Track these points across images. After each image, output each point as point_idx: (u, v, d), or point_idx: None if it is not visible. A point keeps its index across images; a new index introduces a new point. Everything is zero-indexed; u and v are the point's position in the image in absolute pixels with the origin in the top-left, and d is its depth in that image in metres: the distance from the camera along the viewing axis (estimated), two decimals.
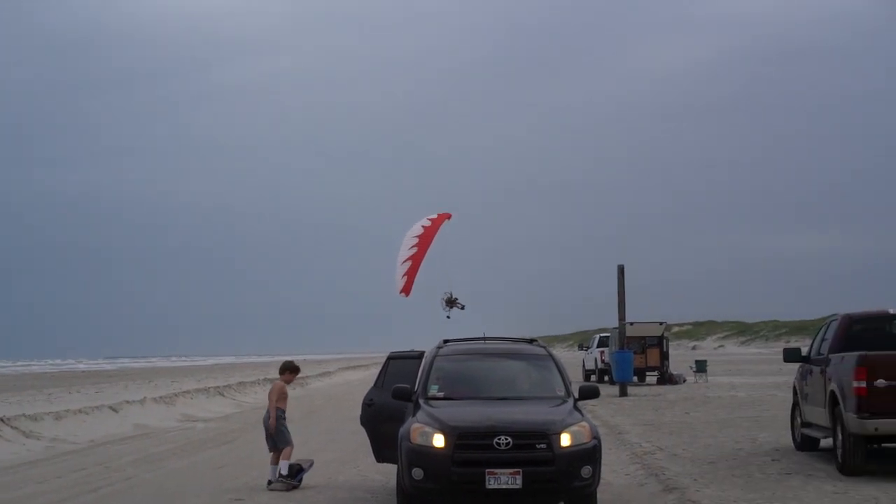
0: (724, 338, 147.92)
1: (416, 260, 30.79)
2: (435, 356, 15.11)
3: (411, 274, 31.02)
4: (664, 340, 51.09)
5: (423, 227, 30.55)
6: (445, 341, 15.76)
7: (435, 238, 29.62)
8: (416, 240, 30.59)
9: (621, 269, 41.72)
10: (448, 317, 29.45)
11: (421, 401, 14.14)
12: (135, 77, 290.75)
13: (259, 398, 41.72)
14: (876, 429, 16.13)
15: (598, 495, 14.01)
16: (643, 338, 50.13)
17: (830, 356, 17.89)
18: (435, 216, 30.85)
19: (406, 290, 31.09)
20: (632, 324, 46.75)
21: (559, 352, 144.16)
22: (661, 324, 51.48)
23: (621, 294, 41.84)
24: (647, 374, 50.90)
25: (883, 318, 18.36)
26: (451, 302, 29.92)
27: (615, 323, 43.88)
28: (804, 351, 20.24)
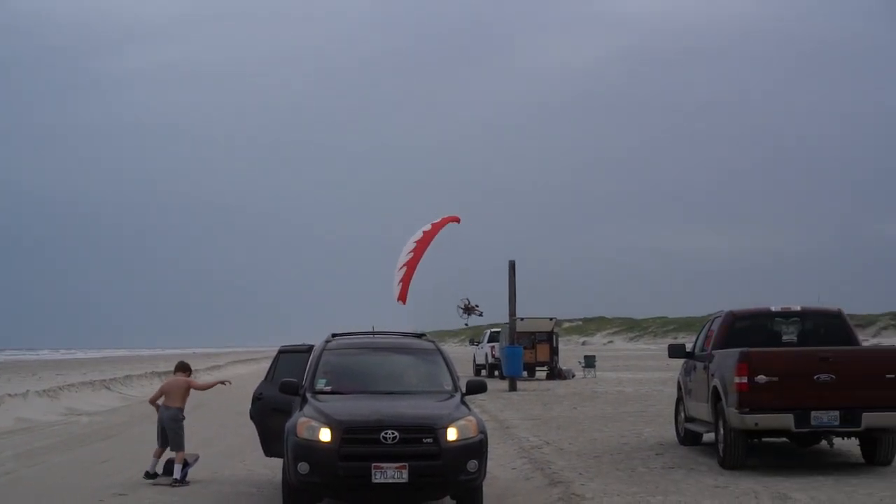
0: (613, 334, 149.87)
1: (410, 266, 30.26)
2: (323, 350, 15.05)
3: (406, 280, 30.42)
4: (554, 336, 51.54)
5: (423, 231, 29.98)
6: (333, 335, 15.71)
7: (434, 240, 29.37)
8: (415, 245, 30.08)
9: (512, 265, 41.97)
10: (466, 324, 29.49)
11: (308, 395, 14.07)
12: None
13: (146, 392, 41.11)
14: (756, 424, 16.46)
15: (485, 489, 14.08)
16: (533, 333, 50.52)
17: (714, 352, 18.22)
18: (438, 220, 30.24)
19: (402, 297, 30.50)
20: (522, 319, 47.06)
21: (452, 347, 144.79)
22: (551, 319, 51.92)
23: (512, 290, 42.10)
24: (537, 369, 51.31)
25: (765, 316, 18.74)
26: (469, 309, 29.81)
27: (507, 318, 44.16)
28: (688, 347, 20.59)
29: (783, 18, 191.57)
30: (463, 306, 30.07)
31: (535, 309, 52.57)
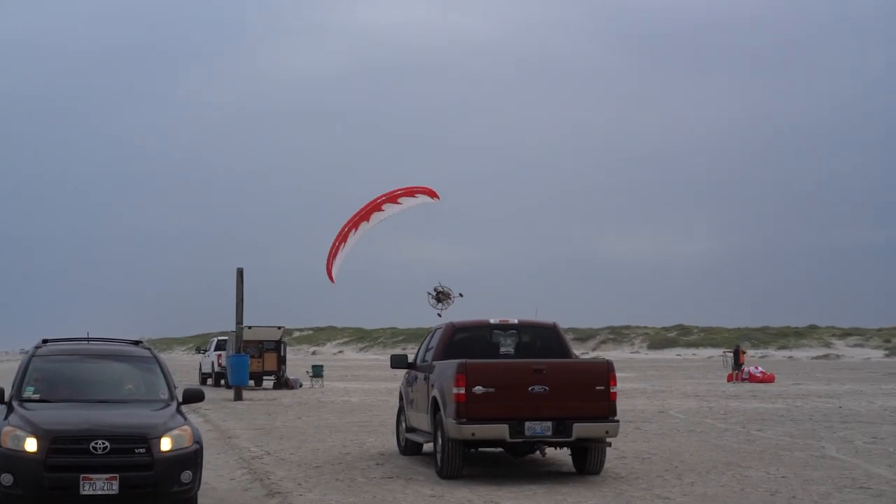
0: (343, 343, 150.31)
1: (333, 244, 28.09)
2: (32, 356, 14.48)
3: (329, 259, 28.35)
4: (282, 345, 51.28)
5: (382, 200, 27.53)
6: (45, 341, 15.13)
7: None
8: (358, 215, 27.70)
9: (240, 272, 41.53)
10: (439, 314, 26.21)
11: (15, 403, 13.50)
12: None
13: None
14: (473, 434, 16.77)
15: (201, 500, 13.85)
16: (261, 342, 50.11)
17: (434, 363, 18.49)
18: (404, 190, 27.67)
19: (329, 275, 28.42)
20: (249, 327, 46.66)
21: (179, 354, 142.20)
22: (279, 328, 51.64)
23: (239, 297, 41.65)
24: (264, 378, 50.92)
25: (484, 328, 19.15)
26: (442, 295, 26.37)
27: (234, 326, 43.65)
28: (410, 357, 20.83)
29: (510, 35, 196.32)
30: (434, 293, 27.55)
31: (266, 317, 52.22)
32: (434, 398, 17.76)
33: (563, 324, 20.25)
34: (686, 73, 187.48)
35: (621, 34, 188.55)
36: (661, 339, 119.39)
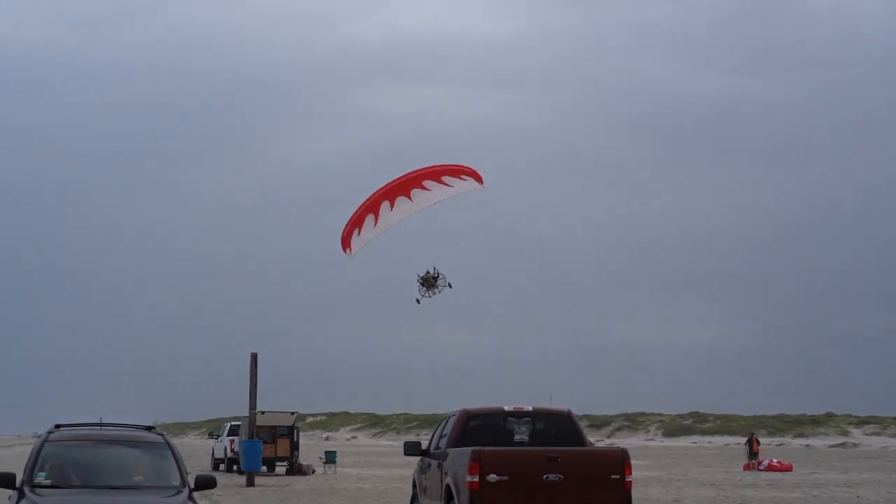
0: (357, 429, 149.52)
1: (357, 211, 24.49)
2: (44, 441, 14.44)
3: (348, 226, 24.73)
4: (295, 430, 51.03)
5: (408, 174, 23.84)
6: (57, 426, 15.10)
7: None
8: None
9: (254, 358, 41.51)
10: (418, 301, 23.84)
11: (26, 489, 13.44)
12: None
13: None
14: None
15: None
16: (274, 427, 49.86)
17: (448, 450, 18.37)
18: (449, 168, 24.21)
19: (345, 245, 24.60)
20: (263, 413, 46.48)
21: (191, 440, 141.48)
22: (292, 413, 51.42)
23: (253, 382, 41.59)
24: (277, 463, 50.57)
25: (498, 415, 19.04)
26: (430, 281, 23.83)
27: (248, 411, 43.52)
28: (424, 444, 20.70)
29: (525, 125, 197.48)
30: (421, 279, 25.12)
31: (279, 402, 52.03)
32: (448, 486, 17.62)
33: (577, 410, 20.15)
34: (705, 163, 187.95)
35: (636, 123, 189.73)
36: (676, 427, 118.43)
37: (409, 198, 23.84)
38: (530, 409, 19.06)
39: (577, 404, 19.76)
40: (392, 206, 23.87)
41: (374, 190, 24.34)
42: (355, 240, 24.55)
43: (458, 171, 24.35)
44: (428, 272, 25.20)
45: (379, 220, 24.06)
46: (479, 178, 24.49)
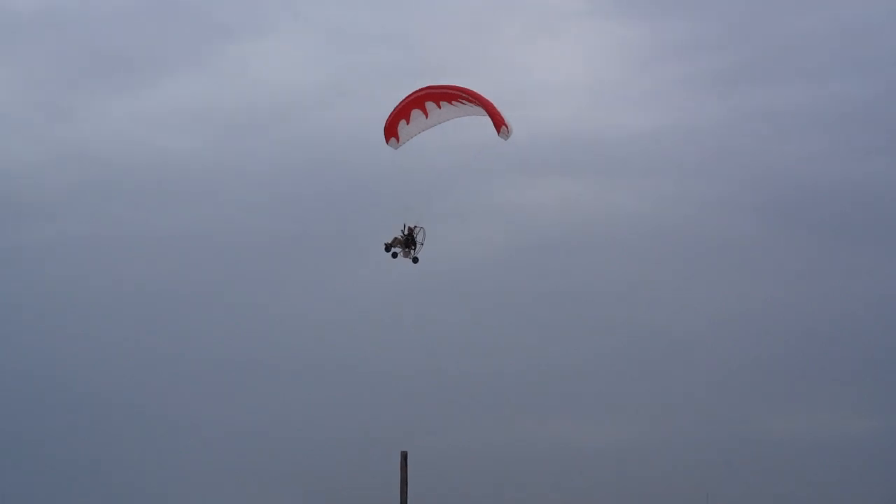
0: None
1: (402, 102, 25.47)
2: None
3: (393, 116, 25.62)
4: None
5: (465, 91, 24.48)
6: None
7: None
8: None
9: (404, 456, 39.66)
10: (394, 255, 23.05)
11: None
12: None
13: None
14: None
15: None
16: None
17: None
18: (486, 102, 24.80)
19: (390, 134, 25.23)
20: None
21: None
22: None
23: (403, 483, 39.72)
24: None
25: None
26: (410, 239, 23.12)
27: None
28: None
29: (674, 217, 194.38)
30: (405, 231, 23.95)
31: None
32: None
33: None
34: (853, 247, 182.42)
35: (782, 208, 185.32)
36: None
37: (452, 104, 24.90)
38: None
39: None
40: (438, 106, 24.93)
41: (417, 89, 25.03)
42: (403, 130, 25.17)
43: (496, 115, 25.03)
44: (411, 229, 24.43)
45: (430, 116, 25.03)
46: (500, 124, 25.05)
